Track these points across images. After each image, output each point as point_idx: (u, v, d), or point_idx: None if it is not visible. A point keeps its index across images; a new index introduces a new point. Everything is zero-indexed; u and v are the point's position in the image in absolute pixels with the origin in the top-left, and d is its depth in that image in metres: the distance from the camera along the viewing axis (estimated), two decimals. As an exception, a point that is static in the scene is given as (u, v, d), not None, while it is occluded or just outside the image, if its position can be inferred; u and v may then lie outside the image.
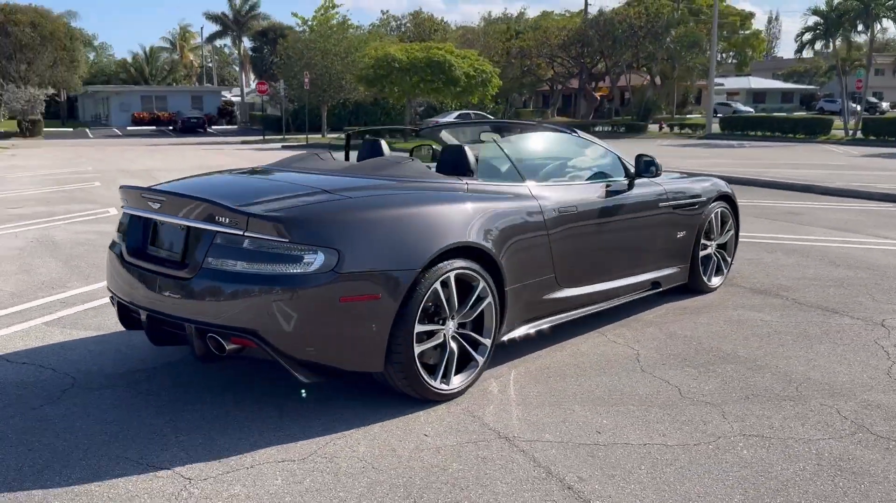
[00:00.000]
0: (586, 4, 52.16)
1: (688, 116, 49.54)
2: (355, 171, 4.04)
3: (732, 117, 35.89)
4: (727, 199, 5.77)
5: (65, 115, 64.06)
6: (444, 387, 3.54)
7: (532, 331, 4.17)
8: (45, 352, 4.28)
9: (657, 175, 4.95)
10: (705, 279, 5.61)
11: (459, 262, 3.53)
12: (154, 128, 53.07)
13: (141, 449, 3.06)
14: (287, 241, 3.15)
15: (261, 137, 35.52)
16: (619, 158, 4.88)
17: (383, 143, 4.86)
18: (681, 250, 5.32)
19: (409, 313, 3.32)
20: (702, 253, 5.54)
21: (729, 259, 5.91)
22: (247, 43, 63.94)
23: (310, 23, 38.65)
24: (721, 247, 5.81)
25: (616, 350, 4.36)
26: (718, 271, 5.81)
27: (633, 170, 4.84)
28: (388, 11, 56.91)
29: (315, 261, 3.15)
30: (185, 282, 3.25)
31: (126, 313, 3.73)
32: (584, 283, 4.50)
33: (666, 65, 45.57)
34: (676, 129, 36.57)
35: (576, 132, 4.93)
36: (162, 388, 3.71)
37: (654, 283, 5.14)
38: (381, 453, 3.04)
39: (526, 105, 59.20)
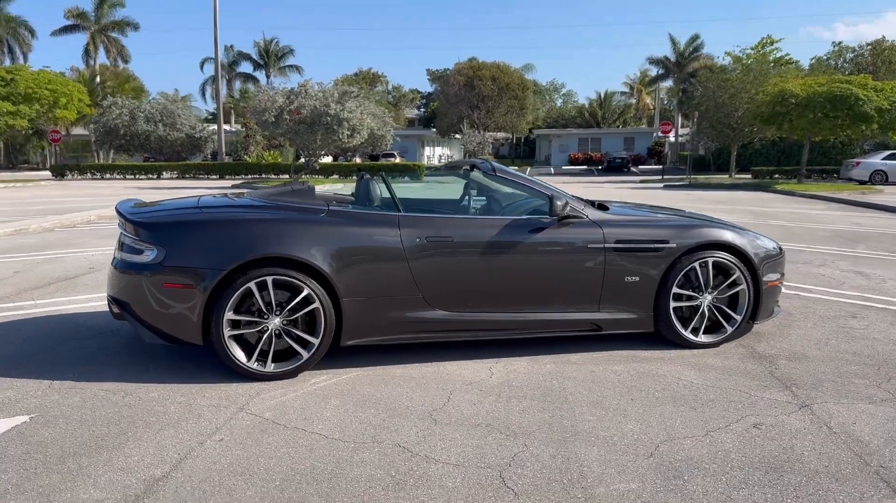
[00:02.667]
0: None
1: None
2: (261, 196, 5.03)
3: None
4: (730, 249, 5.13)
5: (520, 154, 72.85)
6: (259, 368, 4.42)
7: (382, 341, 4.68)
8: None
9: (572, 219, 4.91)
10: (684, 333, 5.08)
11: (279, 270, 4.39)
12: (585, 167, 57.20)
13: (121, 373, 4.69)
14: (138, 239, 4.48)
15: (682, 177, 35.66)
16: (552, 200, 4.91)
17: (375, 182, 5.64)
18: (635, 296, 5.01)
19: (222, 303, 4.33)
20: (678, 303, 5.08)
21: (736, 317, 5.20)
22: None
23: (745, 60, 37.58)
24: (727, 302, 5.19)
25: (468, 374, 4.54)
26: (716, 328, 5.20)
27: (558, 211, 4.86)
28: (840, 43, 51.50)
29: (150, 255, 4.40)
30: (111, 269, 4.78)
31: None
32: (472, 310, 4.77)
33: None
34: None
35: (502, 174, 5.16)
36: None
37: (596, 325, 5.01)
38: (192, 405, 4.14)
39: None
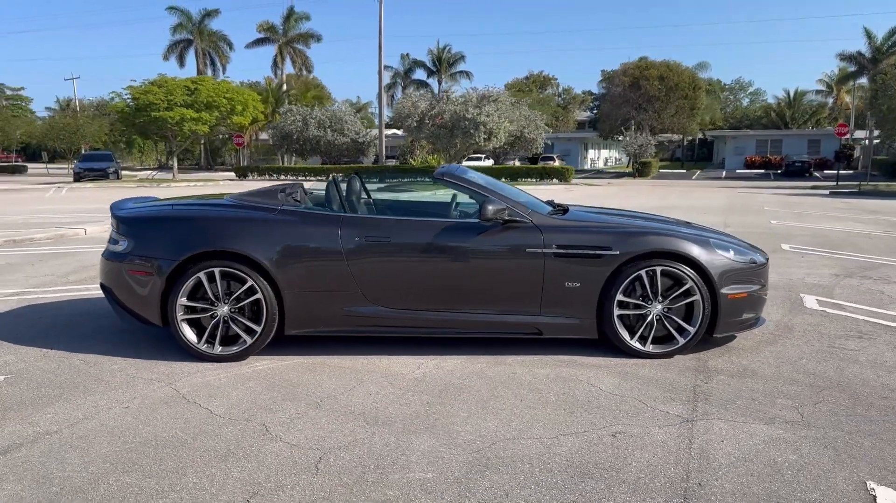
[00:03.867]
0: None
1: None
2: (236, 195, 5.53)
3: None
4: (682, 259, 4.95)
5: (695, 156, 69.72)
6: (207, 349, 4.95)
7: (328, 332, 5.04)
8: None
9: (513, 223, 4.98)
10: (629, 341, 4.99)
11: (226, 262, 4.91)
12: (762, 171, 53.67)
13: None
14: (116, 231, 5.18)
15: (862, 183, 32.55)
16: (482, 205, 4.97)
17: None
18: (576, 302, 4.99)
19: (175, 290, 4.92)
20: (623, 311, 4.99)
21: (689, 328, 4.99)
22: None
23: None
24: (683, 313, 5.01)
25: (395, 368, 4.77)
26: (667, 339, 5.03)
27: (487, 215, 4.95)
28: None
29: (122, 245, 5.09)
30: (101, 258, 5.49)
31: None
32: (410, 308, 5.01)
33: None
34: None
35: (449, 178, 5.30)
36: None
37: (537, 329, 5.05)
38: (134, 377, 4.79)
39: None
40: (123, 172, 41.79)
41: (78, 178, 34.96)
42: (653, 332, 5.04)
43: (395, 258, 5.01)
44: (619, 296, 4.97)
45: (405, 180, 6.22)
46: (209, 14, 63.83)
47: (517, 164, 44.29)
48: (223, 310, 4.96)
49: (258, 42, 63.75)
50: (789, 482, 3.19)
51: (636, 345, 5.03)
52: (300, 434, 3.73)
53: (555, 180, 34.87)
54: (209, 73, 64.89)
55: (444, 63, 70.49)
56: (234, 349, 4.98)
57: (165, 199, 5.97)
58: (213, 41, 64.29)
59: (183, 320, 4.96)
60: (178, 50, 63.96)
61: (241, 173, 42.36)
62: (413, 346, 5.24)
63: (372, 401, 4.22)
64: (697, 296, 4.97)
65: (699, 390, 4.40)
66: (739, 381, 4.55)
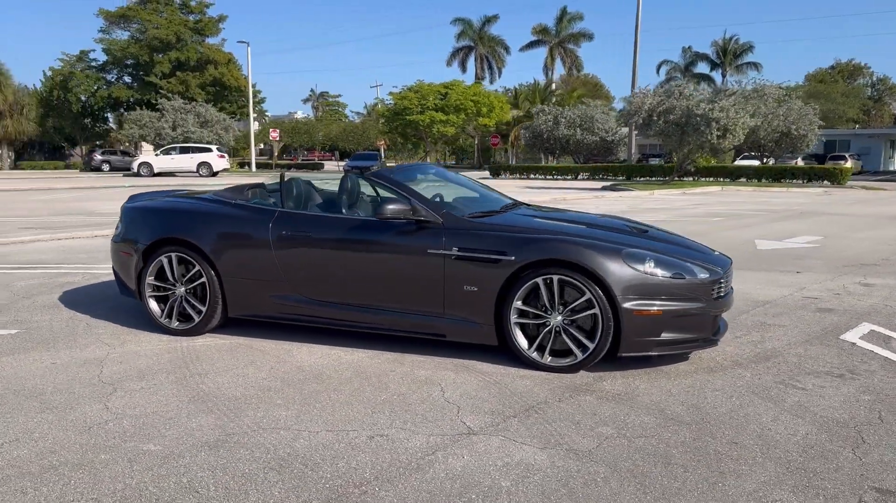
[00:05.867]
0: None
1: None
2: (218, 191, 6.13)
3: None
4: (580, 269, 4.51)
5: None
6: (167, 323, 5.66)
7: (262, 318, 5.47)
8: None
9: (423, 223, 4.96)
10: (526, 351, 4.70)
11: (180, 249, 5.59)
12: None
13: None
14: (119, 218, 6.12)
15: None
16: (381, 204, 5.05)
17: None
18: (475, 306, 4.81)
19: (145, 271, 5.72)
20: (523, 320, 4.71)
21: (588, 344, 4.54)
22: None
23: None
24: (588, 327, 4.58)
25: (301, 356, 5.03)
26: (564, 353, 4.62)
27: (384, 214, 4.97)
28: None
29: (118, 230, 6.02)
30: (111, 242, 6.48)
31: None
32: (326, 300, 5.25)
33: None
34: None
35: (370, 177, 5.38)
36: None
37: (439, 331, 4.98)
38: (100, 340, 5.72)
39: None
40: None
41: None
42: (550, 344, 4.71)
43: (312, 251, 5.28)
44: (518, 304, 4.73)
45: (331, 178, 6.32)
46: (489, 20, 67.06)
47: (800, 163, 40.12)
48: (180, 290, 5.64)
49: (531, 45, 65.49)
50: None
51: (533, 355, 4.74)
52: (124, 400, 4.22)
53: (825, 182, 31.10)
54: (486, 76, 68.20)
55: (728, 55, 66.11)
56: (189, 325, 5.63)
57: (171, 192, 6.83)
58: (491, 46, 67.44)
59: (150, 296, 5.74)
60: (460, 56, 68.18)
61: (495, 172, 44.07)
62: (337, 338, 5.43)
63: (233, 380, 4.56)
64: (596, 310, 4.55)
65: (534, 407, 4.07)
66: (592, 405, 4.11)
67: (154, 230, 5.71)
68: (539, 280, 4.66)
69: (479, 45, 67.04)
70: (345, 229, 5.23)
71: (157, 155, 41.22)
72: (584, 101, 46.25)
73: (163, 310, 5.71)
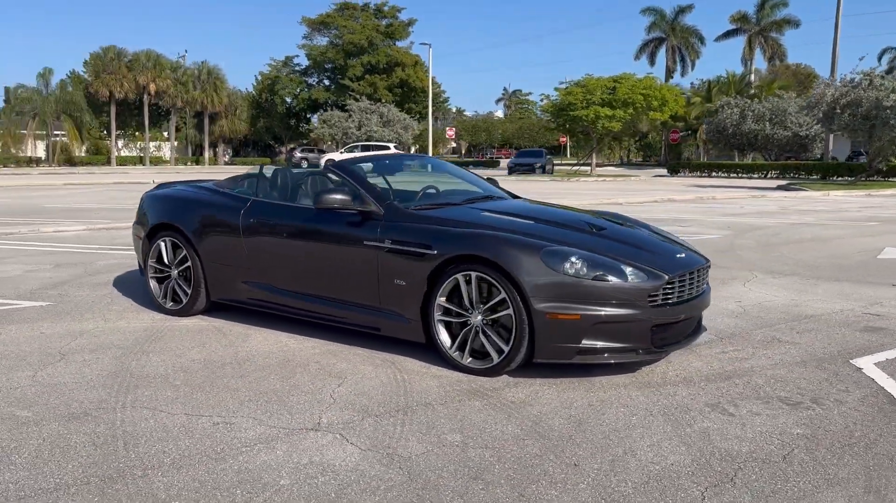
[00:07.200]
0: None
1: None
2: (219, 181, 6.37)
3: None
4: (494, 265, 4.17)
5: None
6: (163, 303, 5.99)
7: (238, 303, 5.62)
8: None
9: (367, 214, 4.86)
10: (448, 350, 4.46)
11: (172, 234, 5.91)
12: None
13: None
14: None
15: None
16: (317, 195, 4.99)
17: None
18: (404, 301, 4.61)
19: (148, 253, 6.11)
20: (446, 318, 4.45)
21: (503, 347, 4.19)
22: None
23: None
24: (506, 329, 4.22)
25: (251, 341, 5.10)
26: (485, 355, 4.31)
27: (322, 203, 4.89)
28: None
29: (137, 216, 6.46)
30: None
31: None
32: (289, 289, 5.26)
33: None
34: None
35: (332, 168, 5.32)
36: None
37: (375, 326, 4.84)
38: (104, 316, 6.21)
39: None
40: (574, 168, 45.15)
41: (510, 171, 39.20)
42: (471, 345, 4.41)
43: (273, 240, 5.36)
44: (442, 300, 4.49)
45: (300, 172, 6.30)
46: (683, 10, 63.84)
47: None
48: (174, 272, 5.97)
49: (728, 34, 61.36)
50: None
51: (455, 355, 4.47)
52: (58, 369, 4.54)
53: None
54: (678, 69, 65.02)
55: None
56: (178, 306, 5.94)
57: (189, 182, 7.15)
58: (684, 37, 64.11)
59: (151, 277, 6.13)
60: (649, 49, 65.53)
61: (673, 170, 41.91)
62: (318, 328, 5.39)
63: (165, 360, 4.74)
64: (510, 310, 4.19)
65: (411, 408, 3.83)
66: (471, 411, 3.78)
67: (154, 216, 6.09)
68: (460, 276, 4.38)
69: (670, 36, 63.93)
70: (301, 219, 5.24)
71: (341, 153, 43.78)
72: (778, 94, 42.48)
73: (160, 291, 6.06)
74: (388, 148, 42.93)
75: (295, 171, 6.05)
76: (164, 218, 5.99)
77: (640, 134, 62.35)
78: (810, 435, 3.47)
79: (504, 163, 55.15)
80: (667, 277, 4.25)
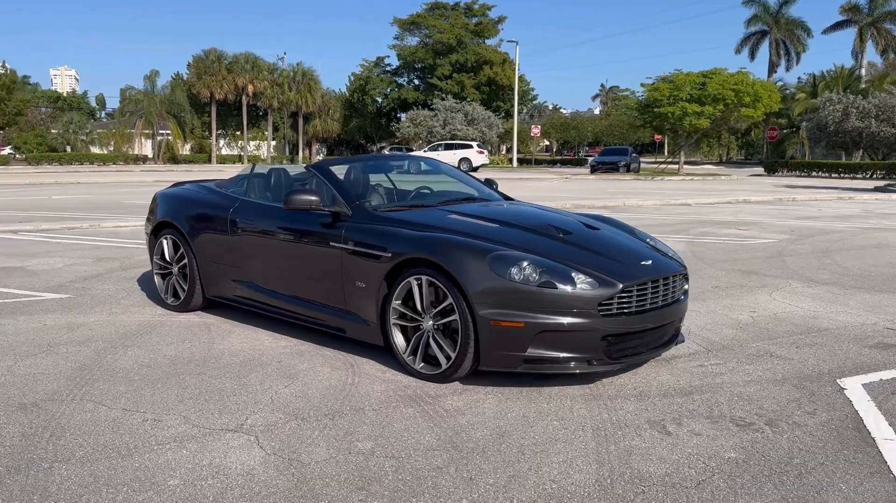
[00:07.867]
0: None
1: None
2: (221, 180, 6.48)
3: None
4: (442, 269, 4.07)
5: None
6: (166, 299, 6.19)
7: (229, 301, 5.72)
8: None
9: (337, 216, 4.86)
10: (401, 354, 4.40)
11: (172, 231, 6.08)
12: None
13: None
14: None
15: None
16: (287, 194, 4.99)
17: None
18: (364, 304, 4.56)
19: (154, 249, 6.31)
20: (401, 321, 4.40)
21: (451, 354, 4.11)
22: None
23: None
24: (457, 331, 4.09)
25: (232, 339, 5.18)
26: (435, 360, 4.21)
27: (291, 204, 4.90)
28: None
29: (148, 212, 6.68)
30: None
31: None
32: (268, 288, 5.32)
33: None
34: None
35: (311, 169, 5.35)
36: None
37: (340, 327, 4.82)
38: (108, 308, 6.46)
39: None
40: (659, 166, 43.66)
41: (593, 170, 38.31)
42: (423, 350, 4.32)
43: (255, 239, 5.43)
44: (397, 304, 4.42)
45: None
46: (787, 1, 60.70)
47: None
48: (174, 269, 6.14)
49: (837, 26, 57.88)
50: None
51: (408, 359, 4.39)
52: (38, 359, 4.74)
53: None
54: (782, 63, 62.03)
55: None
56: (177, 302, 6.11)
57: (196, 182, 7.30)
58: (789, 29, 61.01)
59: (157, 273, 6.33)
60: (750, 43, 62.75)
61: (770, 169, 40.02)
62: (302, 328, 5.43)
63: (139, 355, 4.88)
64: (456, 316, 4.07)
65: (341, 413, 3.79)
66: (398, 418, 3.70)
67: (159, 214, 6.28)
68: (412, 280, 4.29)
69: (773, 29, 60.90)
70: (281, 219, 5.26)
71: (424, 151, 44.10)
72: (887, 90, 39.70)
73: (164, 287, 6.24)
74: (470, 146, 42.92)
75: (289, 171, 6.10)
76: (166, 216, 6.16)
77: (741, 132, 59.90)
78: (742, 460, 3.19)
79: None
80: (621, 286, 4.01)
